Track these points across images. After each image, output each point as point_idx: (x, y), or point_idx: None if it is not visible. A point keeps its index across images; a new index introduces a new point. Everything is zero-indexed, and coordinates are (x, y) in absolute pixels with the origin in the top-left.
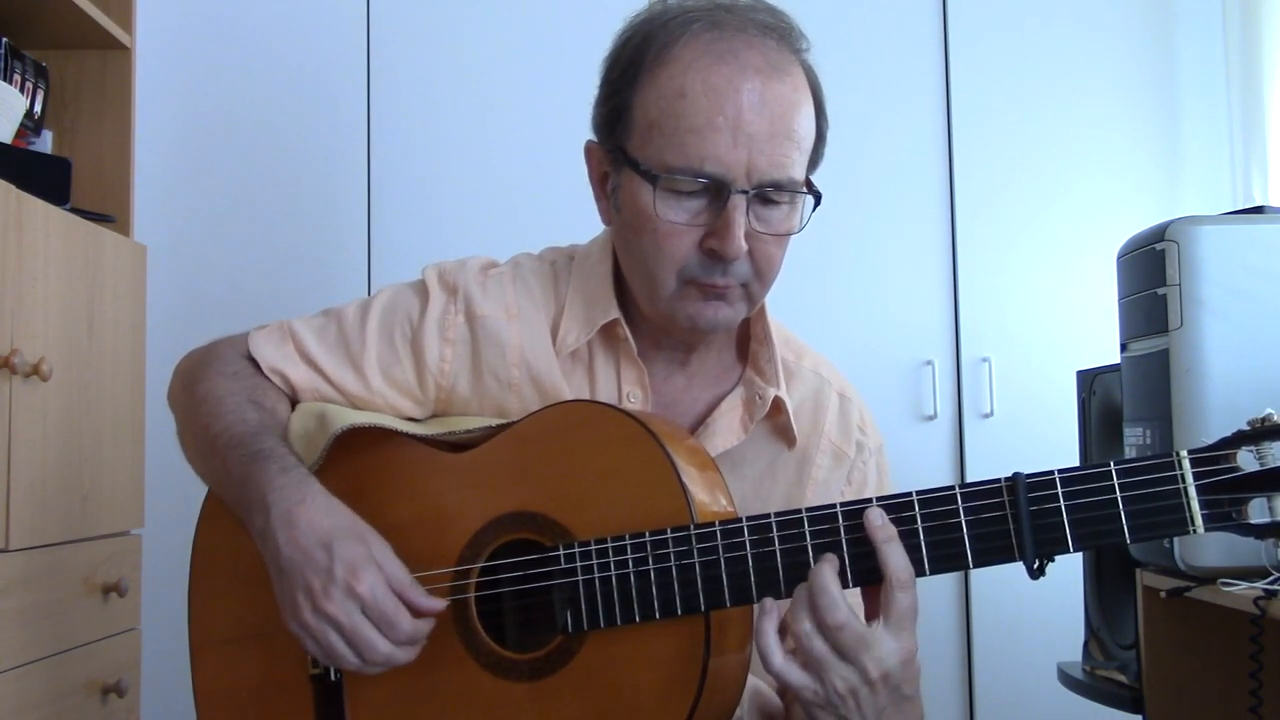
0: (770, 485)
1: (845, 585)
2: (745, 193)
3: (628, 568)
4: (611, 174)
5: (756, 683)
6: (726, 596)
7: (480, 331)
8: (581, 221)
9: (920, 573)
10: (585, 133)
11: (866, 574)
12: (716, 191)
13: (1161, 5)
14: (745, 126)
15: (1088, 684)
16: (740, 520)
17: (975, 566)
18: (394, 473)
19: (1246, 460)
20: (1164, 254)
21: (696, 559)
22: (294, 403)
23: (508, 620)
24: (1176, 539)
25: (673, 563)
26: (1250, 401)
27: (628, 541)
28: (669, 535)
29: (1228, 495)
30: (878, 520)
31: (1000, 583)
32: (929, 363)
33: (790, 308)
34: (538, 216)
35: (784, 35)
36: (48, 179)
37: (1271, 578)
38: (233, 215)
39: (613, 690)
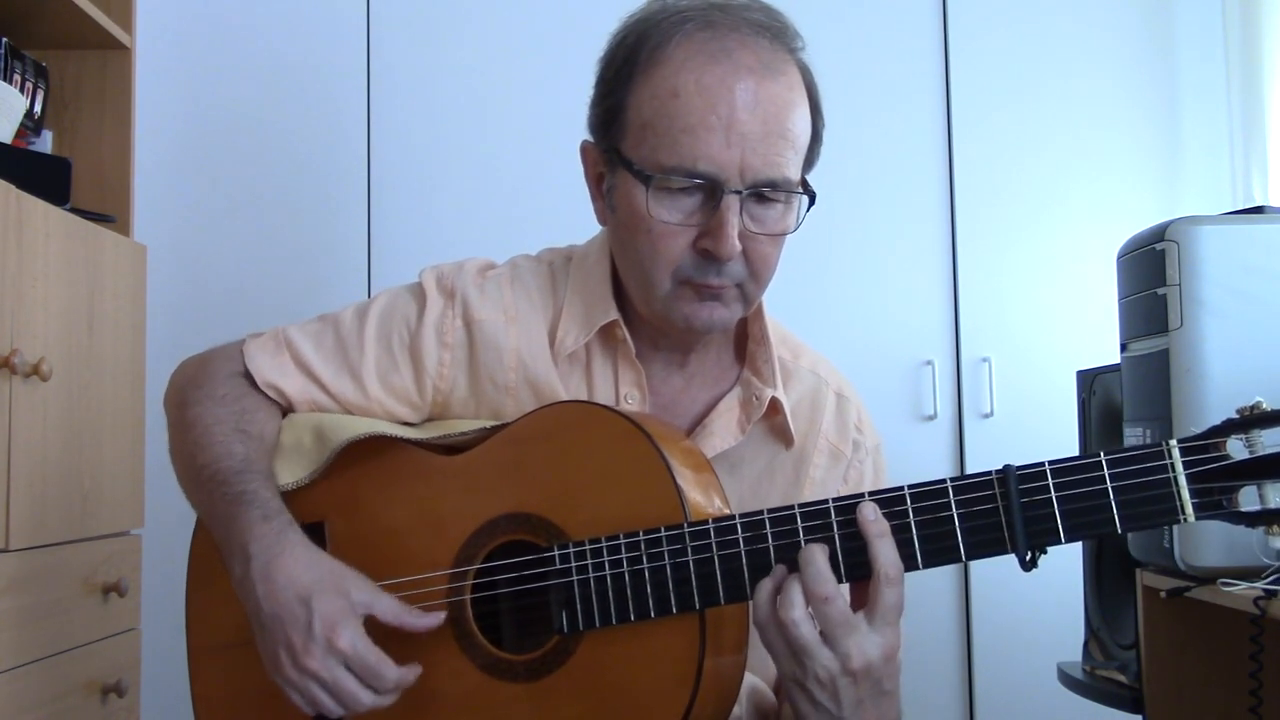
0: (768, 485)
1: (839, 580)
2: (739, 193)
3: (622, 567)
4: (607, 174)
5: (754, 680)
6: (721, 594)
7: (478, 336)
8: (581, 222)
9: (913, 566)
10: (585, 133)
11: (858, 568)
12: (710, 191)
13: (1161, 5)
14: (738, 126)
15: (1088, 684)
16: (734, 517)
17: (968, 559)
18: (389, 478)
19: (1236, 448)
20: (1164, 254)
21: (690, 556)
22: (287, 412)
23: (504, 622)
24: (1176, 539)
25: (667, 561)
26: (1250, 401)
27: (622, 541)
28: (663, 534)
29: (1218, 484)
30: (870, 515)
31: (1000, 583)
32: (929, 363)
33: (790, 308)
34: (538, 216)
35: (778, 34)
36: (48, 179)
37: (1271, 577)
38: (233, 215)
39: (610, 690)
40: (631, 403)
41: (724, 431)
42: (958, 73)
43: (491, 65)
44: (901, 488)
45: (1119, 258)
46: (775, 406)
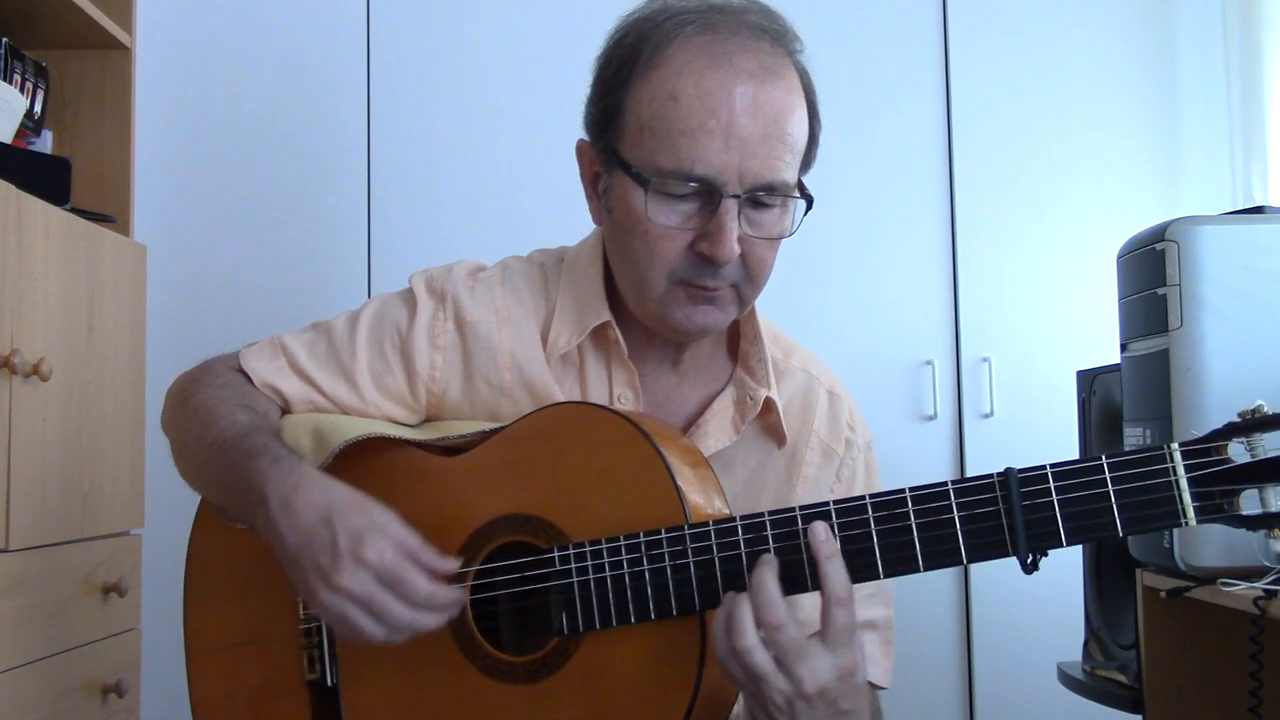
0: (760, 484)
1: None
2: (737, 197)
3: (622, 568)
4: (603, 174)
5: None
6: (721, 596)
7: (470, 337)
8: (581, 222)
9: (914, 569)
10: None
11: (857, 572)
12: (708, 195)
13: (1161, 5)
14: (738, 130)
15: (1088, 684)
16: (734, 519)
17: (969, 562)
18: (389, 479)
19: (1237, 452)
20: (1164, 254)
21: (691, 559)
22: (285, 413)
23: (504, 623)
24: (1176, 539)
25: (667, 563)
26: (1250, 402)
27: (622, 543)
28: (663, 535)
29: (1219, 487)
30: (822, 535)
31: (1000, 583)
32: (929, 363)
33: (791, 308)
34: (537, 216)
35: (778, 37)
36: (48, 179)
37: (1271, 577)
38: (233, 215)
39: (609, 691)
40: (625, 403)
41: (718, 432)
42: (958, 73)
43: (491, 65)
44: (902, 490)
45: (1119, 258)
46: (769, 406)
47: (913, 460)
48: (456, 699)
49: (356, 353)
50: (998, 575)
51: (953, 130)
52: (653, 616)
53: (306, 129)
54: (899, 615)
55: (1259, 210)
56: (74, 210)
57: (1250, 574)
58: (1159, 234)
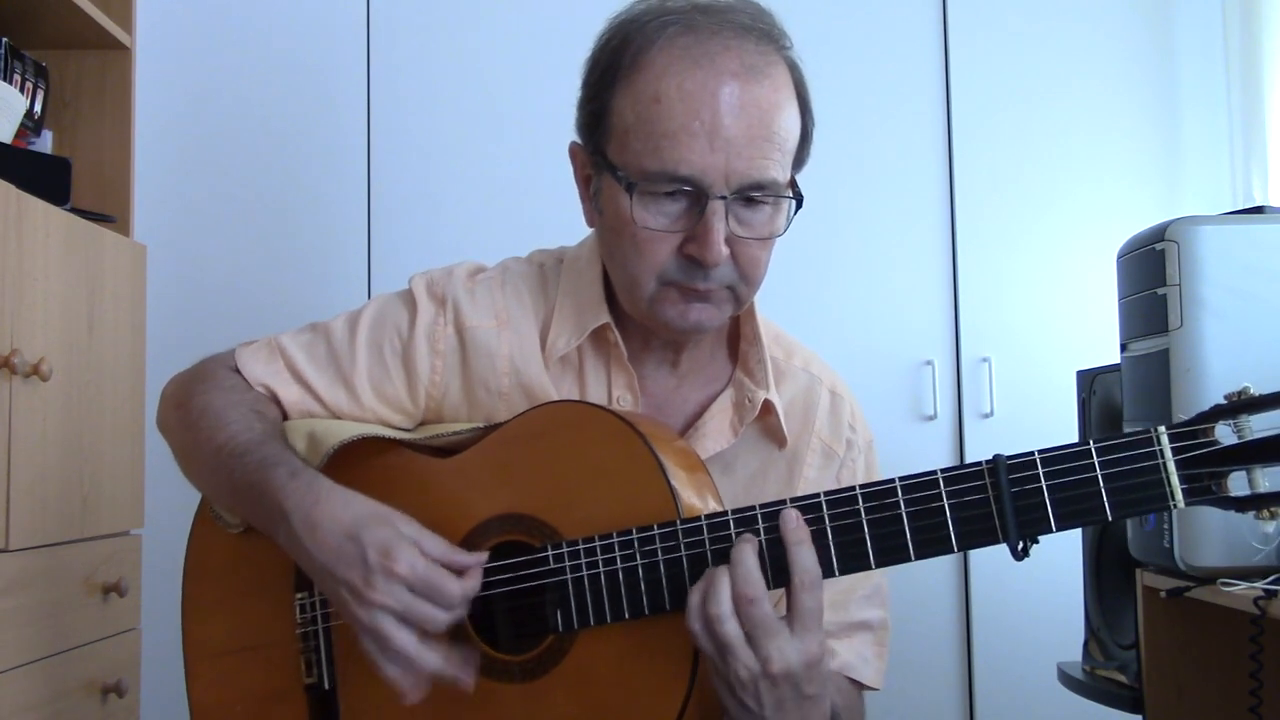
0: (761, 486)
1: (832, 574)
2: (724, 198)
3: (616, 565)
4: (594, 177)
5: None
6: None
7: (469, 342)
8: (580, 223)
9: (905, 558)
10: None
11: (848, 561)
12: (695, 197)
13: (1161, 5)
14: (722, 131)
15: (1088, 684)
16: (726, 513)
17: (960, 550)
18: (384, 481)
19: (1224, 434)
20: (1164, 254)
21: (684, 553)
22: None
23: (499, 622)
24: (1176, 539)
25: (660, 558)
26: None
27: (615, 539)
28: (656, 531)
29: (1207, 469)
30: (791, 522)
31: (1000, 582)
32: (929, 363)
33: (791, 308)
34: (537, 217)
35: (763, 35)
36: (48, 179)
37: (1272, 578)
38: (233, 215)
39: (605, 688)
40: (624, 405)
41: (717, 433)
42: (958, 73)
43: (491, 65)
44: (892, 480)
45: (1119, 258)
46: (768, 408)
47: (913, 460)
48: (453, 699)
49: (356, 357)
50: (997, 575)
51: (953, 130)
52: (647, 612)
53: (306, 129)
54: (898, 615)
55: (1259, 210)
56: (74, 210)
57: (1250, 574)
58: (1159, 234)
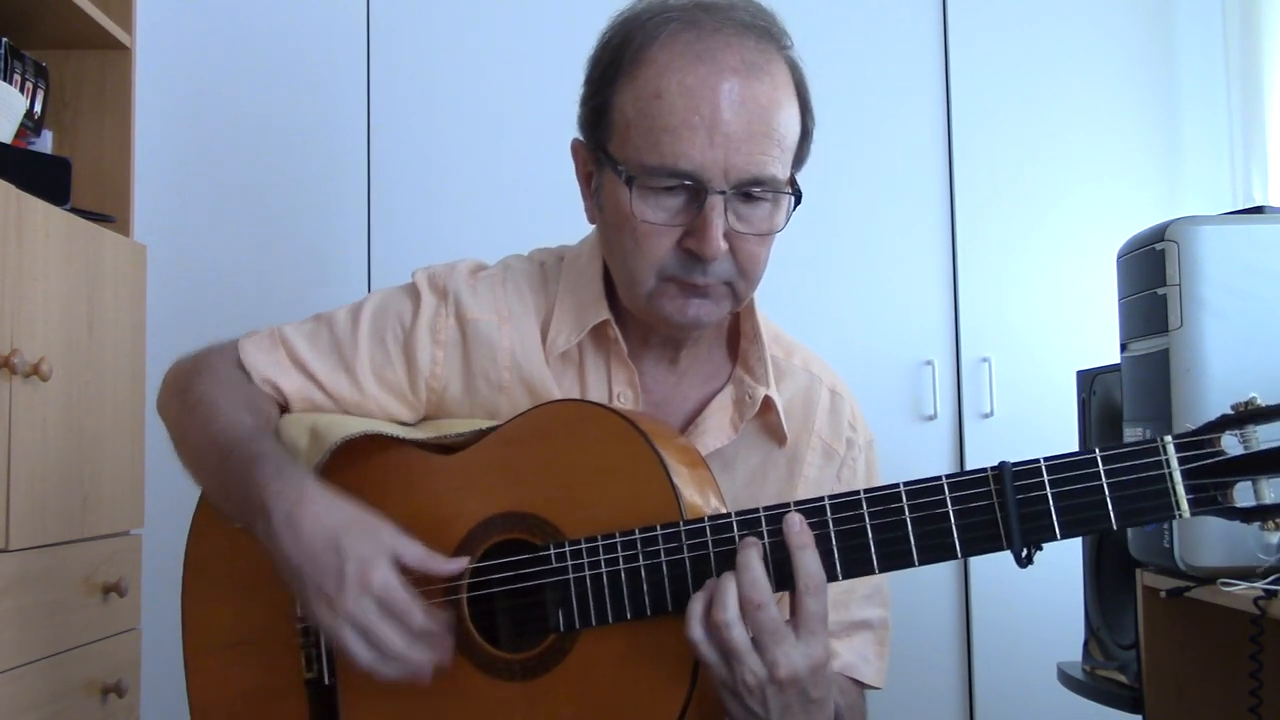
0: (760, 484)
1: (835, 578)
2: (723, 193)
3: (618, 565)
4: (595, 173)
5: None
6: None
7: (471, 334)
8: (581, 221)
9: (909, 563)
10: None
11: (851, 566)
12: (694, 192)
13: (1161, 5)
14: (722, 127)
15: (1088, 684)
16: (729, 515)
17: (964, 556)
18: (386, 478)
19: (1231, 444)
20: (1164, 254)
21: (686, 554)
22: (284, 411)
23: (500, 621)
24: (1176, 539)
25: (663, 559)
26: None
27: (618, 539)
28: (659, 532)
29: (1213, 479)
30: (795, 526)
31: (1000, 583)
32: (929, 363)
33: (791, 307)
34: (537, 216)
35: (764, 33)
36: (48, 179)
37: (1272, 578)
38: (233, 215)
39: (606, 688)
40: (624, 402)
41: (717, 430)
42: (958, 73)
43: (491, 65)
44: (896, 485)
45: (1119, 258)
46: (768, 405)
47: (913, 460)
48: (453, 696)
49: (358, 344)
50: (997, 575)
51: (953, 130)
52: (648, 613)
53: (306, 129)
54: (898, 615)
55: (1259, 210)
56: (74, 210)
57: (1250, 574)
58: (1159, 234)
